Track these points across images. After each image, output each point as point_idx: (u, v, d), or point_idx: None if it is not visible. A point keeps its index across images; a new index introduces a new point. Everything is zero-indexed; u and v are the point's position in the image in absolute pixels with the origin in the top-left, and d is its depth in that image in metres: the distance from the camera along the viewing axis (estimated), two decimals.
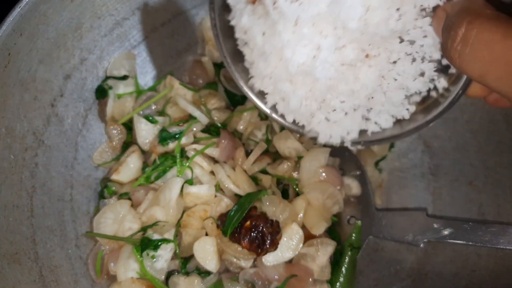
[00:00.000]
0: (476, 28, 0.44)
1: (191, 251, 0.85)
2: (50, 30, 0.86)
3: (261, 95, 0.75)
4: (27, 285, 0.78)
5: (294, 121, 0.76)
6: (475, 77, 0.47)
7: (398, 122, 0.74)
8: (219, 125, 0.97)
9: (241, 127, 0.97)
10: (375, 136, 0.75)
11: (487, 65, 0.44)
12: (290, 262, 0.87)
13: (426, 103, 0.73)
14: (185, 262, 0.87)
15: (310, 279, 0.86)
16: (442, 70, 0.68)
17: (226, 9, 0.70)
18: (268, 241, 0.83)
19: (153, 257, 0.84)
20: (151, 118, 0.94)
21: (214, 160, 0.92)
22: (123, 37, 0.98)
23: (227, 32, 0.72)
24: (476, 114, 0.95)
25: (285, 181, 0.94)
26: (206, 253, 0.84)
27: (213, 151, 0.90)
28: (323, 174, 0.90)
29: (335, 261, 0.90)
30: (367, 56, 0.65)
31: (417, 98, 0.72)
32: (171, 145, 0.90)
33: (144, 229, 0.86)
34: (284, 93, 0.70)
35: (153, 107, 0.97)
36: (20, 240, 0.80)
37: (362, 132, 0.75)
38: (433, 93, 0.71)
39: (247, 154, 0.92)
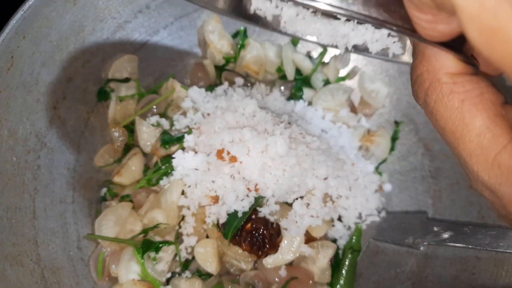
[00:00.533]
0: (433, 102, 0.45)
1: (192, 253, 0.86)
2: (52, 33, 0.86)
3: None
4: (29, 286, 0.79)
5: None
6: (436, 129, 0.48)
7: None
8: None
9: None
10: None
11: (440, 130, 0.46)
12: (290, 264, 0.88)
13: None
14: (186, 264, 0.88)
15: (311, 281, 0.87)
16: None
17: None
18: (268, 243, 0.83)
19: (154, 259, 0.84)
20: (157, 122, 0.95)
21: None
22: (125, 39, 0.99)
23: None
24: None
25: None
26: (207, 256, 0.85)
27: None
28: None
29: (336, 263, 0.91)
30: None
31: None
32: (173, 148, 0.90)
33: (145, 231, 0.86)
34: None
35: (155, 110, 0.98)
36: (22, 242, 0.81)
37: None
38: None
39: None
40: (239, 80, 1.03)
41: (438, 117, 0.45)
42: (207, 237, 0.87)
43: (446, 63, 0.44)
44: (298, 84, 1.05)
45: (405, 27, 0.42)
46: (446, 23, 0.40)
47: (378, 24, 0.42)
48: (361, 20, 0.42)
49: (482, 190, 0.45)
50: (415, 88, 0.48)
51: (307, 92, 1.05)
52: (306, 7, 0.44)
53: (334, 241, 0.92)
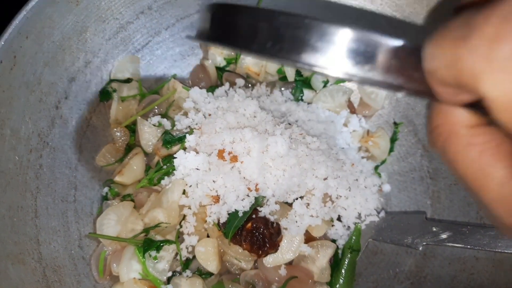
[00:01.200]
0: (451, 153, 0.45)
1: (192, 252, 0.86)
2: (55, 33, 0.87)
3: None
4: (31, 285, 0.79)
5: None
6: (455, 176, 0.48)
7: None
8: None
9: None
10: None
11: (460, 178, 0.46)
12: (290, 263, 0.88)
13: None
14: (187, 263, 0.88)
15: (310, 280, 0.87)
16: None
17: None
18: (268, 243, 0.84)
19: (155, 258, 0.84)
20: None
21: None
22: (127, 40, 0.99)
23: None
24: None
25: None
26: (208, 255, 0.85)
27: None
28: None
29: (335, 263, 0.91)
30: None
31: None
32: (175, 148, 0.91)
33: (146, 230, 0.87)
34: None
35: (156, 110, 0.98)
36: (24, 240, 0.81)
37: None
38: None
39: None
40: (240, 81, 1.03)
41: (457, 167, 0.45)
42: (208, 236, 0.88)
43: (463, 116, 0.44)
44: (298, 85, 1.05)
45: (422, 90, 0.42)
46: (468, 95, 0.40)
47: (395, 89, 0.42)
48: (379, 86, 0.42)
49: (508, 233, 0.46)
50: (431, 137, 0.48)
51: (307, 93, 1.05)
52: (321, 74, 0.44)
53: (334, 241, 0.92)
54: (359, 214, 0.93)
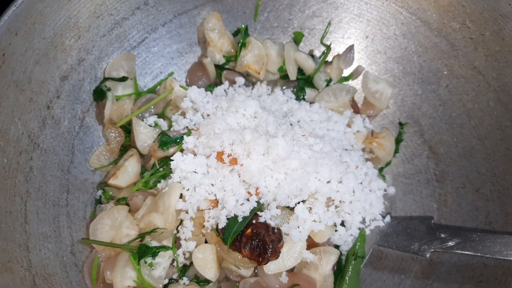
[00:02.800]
0: None
1: (190, 258, 0.84)
2: (46, 30, 0.84)
3: None
4: None
5: None
6: None
7: None
8: None
9: None
10: None
11: None
12: (292, 270, 0.86)
13: None
14: (184, 270, 0.85)
15: None
16: None
17: None
18: (269, 250, 0.81)
19: (151, 265, 0.82)
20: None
21: None
22: (122, 37, 0.96)
23: None
24: (484, 119, 0.93)
25: None
26: (206, 261, 0.83)
27: None
28: None
29: (338, 270, 0.88)
30: None
31: None
32: (172, 150, 0.88)
33: (142, 236, 0.84)
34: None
35: (152, 110, 0.96)
36: (12, 247, 0.78)
37: None
38: None
39: None
40: (240, 80, 1.01)
41: None
42: (206, 242, 0.85)
43: None
44: (300, 84, 1.03)
45: None
46: None
47: None
48: None
49: None
50: None
51: (309, 92, 1.03)
52: None
53: (337, 247, 0.89)
54: (364, 219, 0.90)
